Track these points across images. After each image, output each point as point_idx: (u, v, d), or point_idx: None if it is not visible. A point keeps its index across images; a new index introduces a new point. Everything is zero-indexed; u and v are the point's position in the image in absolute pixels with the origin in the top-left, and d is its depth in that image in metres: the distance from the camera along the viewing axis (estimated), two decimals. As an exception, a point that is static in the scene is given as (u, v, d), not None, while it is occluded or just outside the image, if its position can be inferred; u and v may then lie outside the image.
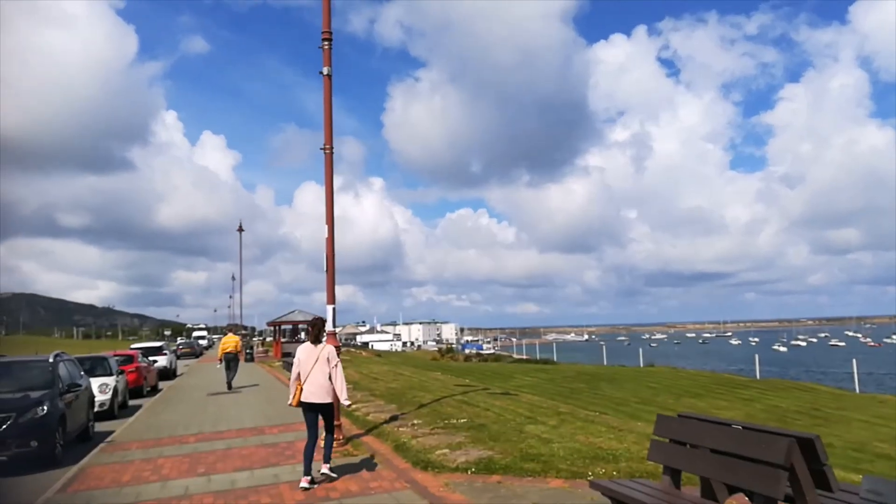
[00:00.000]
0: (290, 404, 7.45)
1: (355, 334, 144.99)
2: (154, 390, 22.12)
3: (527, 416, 11.06)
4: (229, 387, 19.43)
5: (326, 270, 9.56)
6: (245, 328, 34.36)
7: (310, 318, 38.18)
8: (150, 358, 24.96)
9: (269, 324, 42.23)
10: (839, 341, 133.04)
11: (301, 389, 7.26)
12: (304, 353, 7.37)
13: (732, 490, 4.52)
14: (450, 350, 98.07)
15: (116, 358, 18.95)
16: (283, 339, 39.41)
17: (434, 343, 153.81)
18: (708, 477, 4.47)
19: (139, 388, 20.05)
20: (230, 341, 20.99)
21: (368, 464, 8.05)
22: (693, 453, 4.54)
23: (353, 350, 71.61)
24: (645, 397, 33.29)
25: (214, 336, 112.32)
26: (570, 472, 6.79)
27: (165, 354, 29.39)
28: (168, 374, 27.86)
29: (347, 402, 7.57)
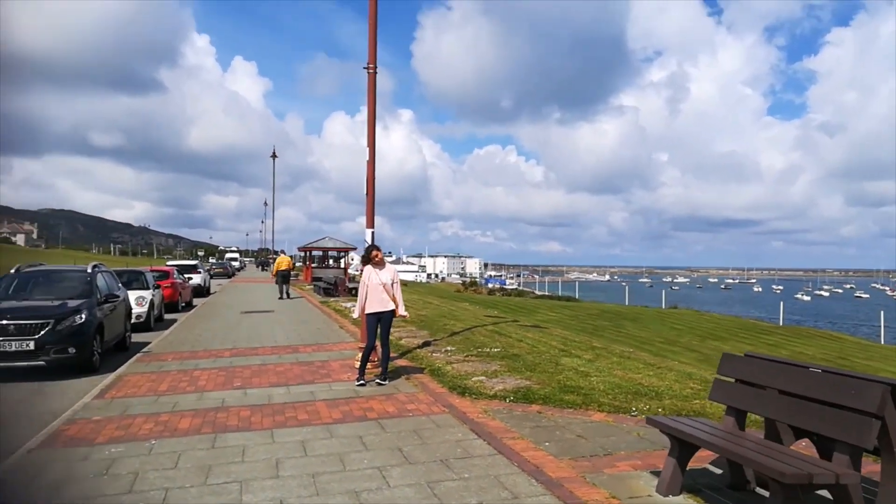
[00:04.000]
0: (356, 316, 8.72)
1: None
2: (189, 306, 22.51)
3: (561, 348, 10.92)
4: (287, 296, 23.96)
5: (367, 194, 9.29)
6: (276, 253, 34.43)
7: (339, 245, 38.50)
8: (185, 275, 25.34)
9: (299, 249, 42.58)
10: (864, 293, 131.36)
11: (365, 305, 8.27)
12: (370, 274, 8.26)
13: (799, 434, 4.29)
14: (473, 283, 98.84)
15: (153, 273, 19.18)
16: (312, 265, 39.75)
17: (458, 276, 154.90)
18: (775, 419, 4.24)
19: (174, 303, 20.38)
20: (284, 261, 25.86)
21: (404, 386, 7.99)
22: (761, 394, 4.30)
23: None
24: (669, 337, 33.29)
25: (246, 259, 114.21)
26: (612, 407, 6.63)
27: (200, 273, 29.86)
28: (202, 291, 28.36)
29: (405, 314, 8.60)
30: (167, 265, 27.50)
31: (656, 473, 4.61)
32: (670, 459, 4.33)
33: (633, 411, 6.45)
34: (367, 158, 9.23)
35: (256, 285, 36.46)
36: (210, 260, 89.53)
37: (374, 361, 8.95)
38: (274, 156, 46.44)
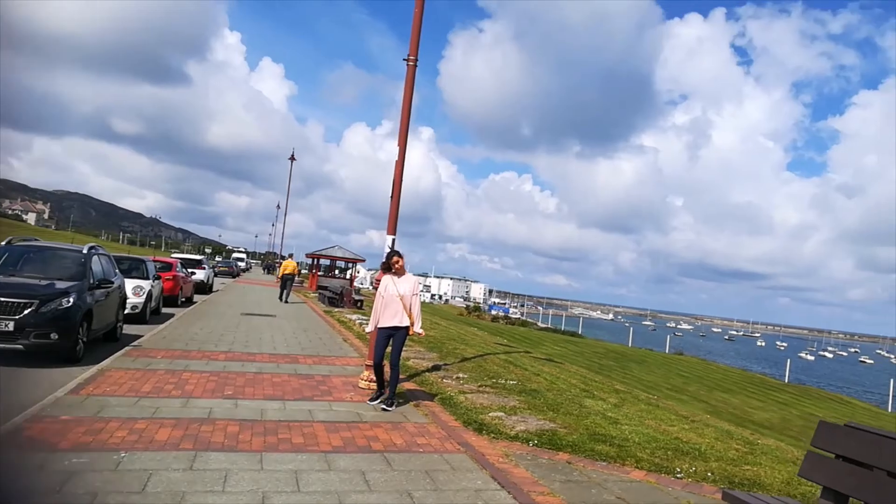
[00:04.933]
0: (369, 330, 7.92)
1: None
2: (189, 301, 21.74)
3: (582, 388, 10.06)
4: (285, 300, 24.12)
5: (392, 196, 8.54)
6: (283, 257, 33.80)
7: (349, 255, 37.72)
8: (189, 270, 24.65)
9: (308, 255, 41.87)
10: (868, 358, 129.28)
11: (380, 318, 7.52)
12: (387, 284, 7.53)
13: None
14: (477, 308, 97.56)
15: (156, 263, 18.47)
16: (319, 273, 39.00)
17: (462, 300, 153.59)
18: (881, 510, 3.41)
19: (174, 296, 19.63)
20: (289, 265, 26.38)
21: (412, 414, 7.15)
22: (867, 476, 3.47)
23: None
24: (676, 385, 32.26)
25: (252, 261, 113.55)
26: (651, 464, 5.77)
27: (204, 269, 29.17)
28: (204, 288, 27.62)
29: (421, 332, 7.61)
30: (171, 257, 26.87)
31: (725, 562, 3.76)
32: (751, 550, 3.50)
33: (678, 472, 5.59)
34: (397, 158, 8.50)
35: (260, 287, 35.69)
36: (216, 258, 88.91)
37: (372, 381, 8.16)
38: (292, 158, 45.90)
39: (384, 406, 7.30)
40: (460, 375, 9.73)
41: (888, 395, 40.96)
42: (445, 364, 10.90)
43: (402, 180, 8.52)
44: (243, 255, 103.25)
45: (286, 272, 25.73)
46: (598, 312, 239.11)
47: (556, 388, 9.51)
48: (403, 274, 7.59)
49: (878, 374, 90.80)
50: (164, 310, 17.56)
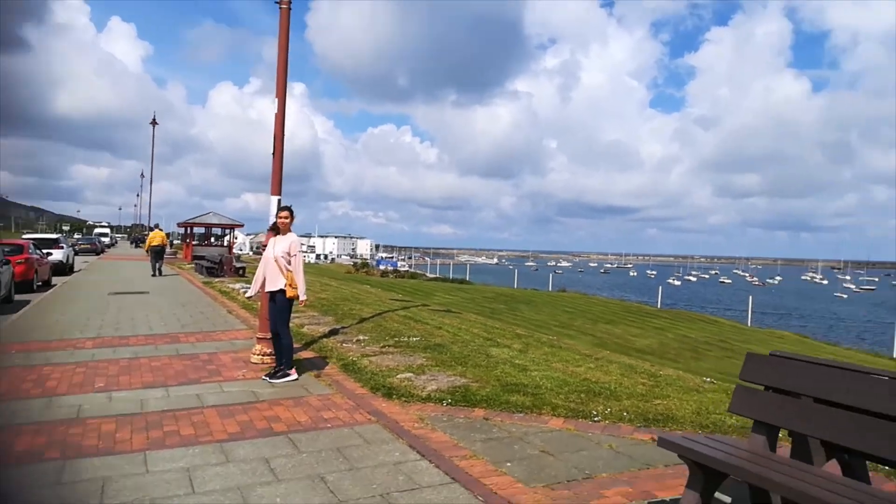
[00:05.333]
0: (248, 295, 7.80)
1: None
2: (46, 285, 19.58)
3: (485, 336, 9.92)
4: (159, 273, 22.87)
5: (273, 153, 7.77)
6: (151, 229, 31.44)
7: (225, 221, 35.69)
8: (45, 250, 22.27)
9: (179, 225, 39.08)
10: (727, 279, 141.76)
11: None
12: (269, 243, 7.03)
13: (832, 453, 3.45)
14: (365, 265, 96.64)
15: (3, 247, 16.40)
16: (193, 242, 36.66)
17: (348, 258, 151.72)
18: (810, 435, 3.37)
19: (28, 281, 17.60)
20: (157, 236, 24.62)
21: (314, 386, 6.64)
22: (795, 405, 3.42)
23: (264, 257, 69.18)
24: (563, 321, 33.50)
25: (118, 235, 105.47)
26: (568, 410, 5.66)
27: (62, 248, 26.51)
28: (64, 269, 25.10)
29: (304, 298, 6.96)
30: (22, 239, 24.17)
31: (662, 507, 3.64)
32: (692, 493, 3.36)
33: (595, 415, 5.50)
34: (276, 111, 7.70)
35: (129, 263, 33.11)
36: (76, 235, 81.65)
37: (266, 354, 7.59)
38: (154, 122, 42.42)
39: (277, 380, 6.76)
40: (360, 338, 9.28)
41: (747, 312, 44.81)
42: (343, 327, 10.40)
43: (283, 135, 7.76)
44: (107, 230, 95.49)
45: (154, 244, 24.17)
46: (484, 258, 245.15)
47: (461, 340, 9.30)
48: (287, 233, 7.03)
49: (736, 292, 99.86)
50: (18, 297, 15.70)
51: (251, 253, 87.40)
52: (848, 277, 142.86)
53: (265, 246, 7.38)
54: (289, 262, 6.84)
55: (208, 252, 29.79)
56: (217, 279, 21.75)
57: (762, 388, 3.62)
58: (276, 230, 7.11)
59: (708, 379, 7.56)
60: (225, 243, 36.93)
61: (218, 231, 37.95)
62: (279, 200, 7.87)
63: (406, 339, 9.21)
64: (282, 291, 6.79)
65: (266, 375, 6.93)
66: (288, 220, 6.97)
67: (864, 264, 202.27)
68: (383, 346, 8.60)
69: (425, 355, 7.98)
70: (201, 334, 10.03)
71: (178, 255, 41.46)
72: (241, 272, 24.06)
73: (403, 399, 6.01)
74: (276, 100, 7.74)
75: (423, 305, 15.31)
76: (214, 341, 9.42)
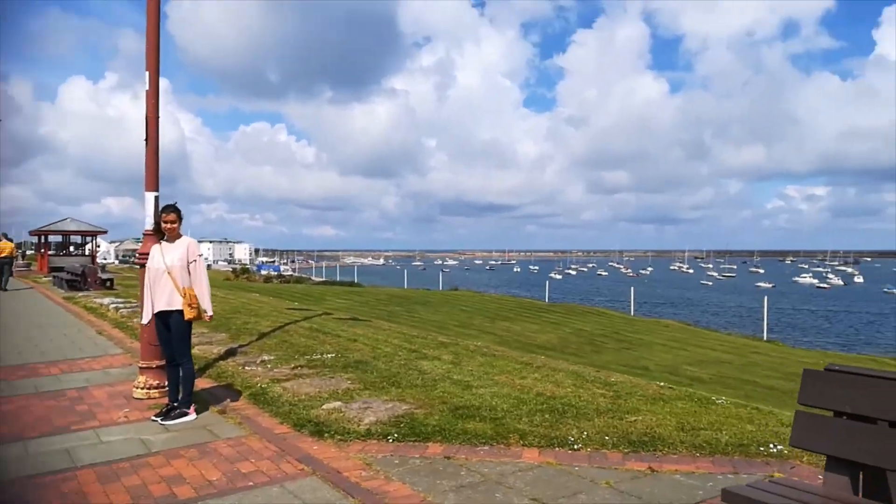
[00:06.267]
0: (145, 322, 5.90)
1: (135, 250, 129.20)
2: None
3: (408, 348, 8.90)
4: (3, 288, 20.75)
5: (146, 140, 6.34)
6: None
7: (85, 228, 32.21)
8: None
9: (32, 233, 34.88)
10: (604, 271, 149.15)
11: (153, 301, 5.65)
12: (155, 254, 5.67)
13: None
14: (245, 271, 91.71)
15: None
16: (49, 252, 32.81)
17: (226, 263, 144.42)
18: (890, 470, 2.70)
19: None
20: (6, 247, 22.63)
21: (221, 426, 5.37)
22: (870, 433, 2.73)
23: (136, 267, 64.04)
24: (461, 320, 33.04)
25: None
26: (538, 437, 4.80)
27: None
28: None
29: (210, 314, 5.70)
30: None
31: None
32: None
33: (572, 441, 4.68)
34: (148, 87, 6.29)
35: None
36: None
37: (153, 387, 6.24)
38: (-5, 119, 37.63)
39: (172, 420, 5.46)
40: (265, 357, 7.98)
41: (629, 303, 46.56)
42: (241, 345, 9.02)
43: (158, 116, 6.35)
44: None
45: (3, 255, 21.83)
46: (370, 259, 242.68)
47: (383, 354, 8.24)
48: (177, 238, 5.71)
49: (614, 284, 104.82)
50: None
51: (117, 262, 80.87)
52: (711, 266, 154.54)
53: (145, 255, 5.98)
54: (188, 273, 5.54)
55: (68, 263, 26.65)
56: (80, 293, 19.19)
57: (831, 413, 2.90)
58: (159, 234, 5.77)
59: (661, 384, 6.99)
60: (87, 252, 33.39)
61: (77, 239, 34.30)
62: (157, 198, 6.47)
63: (319, 356, 8.03)
64: (179, 312, 5.47)
65: (157, 416, 5.57)
66: (176, 225, 5.64)
67: (724, 253, 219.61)
68: (295, 368, 7.39)
69: (348, 376, 6.87)
70: (66, 363, 8.31)
71: (31, 268, 37.06)
72: (108, 284, 21.48)
73: (338, 437, 4.90)
74: (147, 74, 6.33)
75: (326, 314, 14.03)
76: (84, 371, 7.78)
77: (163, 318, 5.56)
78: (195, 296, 5.52)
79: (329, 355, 8.06)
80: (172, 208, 5.63)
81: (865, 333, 47.56)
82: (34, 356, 8.79)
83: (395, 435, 4.88)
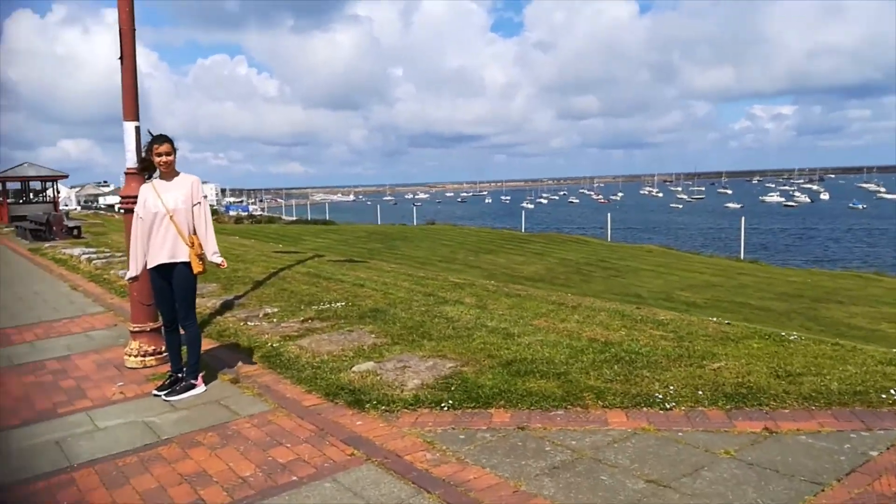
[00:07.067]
0: (129, 279, 5.01)
1: (97, 195, 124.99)
2: None
3: (423, 291, 8.12)
4: None
5: (122, 58, 5.27)
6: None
7: (45, 173, 30.40)
8: None
9: (-17, 180, 32.79)
10: (575, 199, 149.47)
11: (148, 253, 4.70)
12: (147, 196, 4.66)
13: None
14: (214, 212, 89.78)
15: None
16: (8, 200, 30.97)
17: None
18: None
19: None
20: None
21: (238, 399, 4.58)
22: None
23: (101, 213, 61.80)
24: (445, 255, 32.43)
25: None
26: (618, 396, 4.10)
27: None
28: None
29: (220, 260, 4.79)
30: None
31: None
32: None
33: (662, 400, 4.00)
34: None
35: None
36: None
37: (149, 354, 5.42)
38: (-69, 60, 34.83)
39: (179, 395, 4.65)
40: (268, 311, 7.14)
41: (606, 229, 46.35)
42: (237, 296, 8.14)
43: (134, 29, 5.26)
44: None
45: None
46: (340, 195, 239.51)
47: (399, 300, 7.45)
48: (174, 176, 4.73)
49: (586, 210, 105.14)
50: None
51: (79, 209, 77.98)
52: (679, 189, 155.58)
53: (132, 198, 5.01)
54: (192, 217, 4.65)
55: (30, 211, 25.10)
56: (47, 244, 17.93)
57: None
58: (146, 170, 4.80)
59: (715, 319, 6.34)
60: (48, 199, 31.64)
61: (37, 185, 32.41)
62: (137, 128, 5.45)
63: (328, 305, 7.22)
64: (185, 265, 4.59)
65: (159, 390, 4.75)
66: (172, 158, 4.66)
67: (692, 175, 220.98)
68: (304, 321, 6.58)
69: (369, 329, 6.09)
70: (41, 326, 7.38)
71: (-11, 219, 35.15)
72: (75, 233, 20.16)
73: (383, 408, 4.15)
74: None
75: (318, 256, 13.13)
76: (63, 336, 6.87)
77: (163, 272, 4.65)
78: (201, 242, 4.63)
79: (338, 304, 7.25)
80: (165, 138, 4.61)
81: (836, 249, 48.49)
82: (2, 319, 7.83)
83: (450, 402, 4.15)
